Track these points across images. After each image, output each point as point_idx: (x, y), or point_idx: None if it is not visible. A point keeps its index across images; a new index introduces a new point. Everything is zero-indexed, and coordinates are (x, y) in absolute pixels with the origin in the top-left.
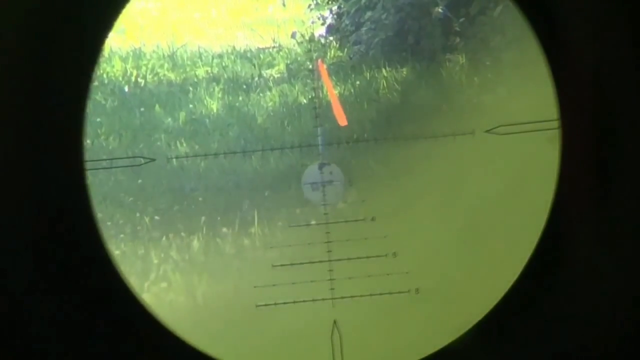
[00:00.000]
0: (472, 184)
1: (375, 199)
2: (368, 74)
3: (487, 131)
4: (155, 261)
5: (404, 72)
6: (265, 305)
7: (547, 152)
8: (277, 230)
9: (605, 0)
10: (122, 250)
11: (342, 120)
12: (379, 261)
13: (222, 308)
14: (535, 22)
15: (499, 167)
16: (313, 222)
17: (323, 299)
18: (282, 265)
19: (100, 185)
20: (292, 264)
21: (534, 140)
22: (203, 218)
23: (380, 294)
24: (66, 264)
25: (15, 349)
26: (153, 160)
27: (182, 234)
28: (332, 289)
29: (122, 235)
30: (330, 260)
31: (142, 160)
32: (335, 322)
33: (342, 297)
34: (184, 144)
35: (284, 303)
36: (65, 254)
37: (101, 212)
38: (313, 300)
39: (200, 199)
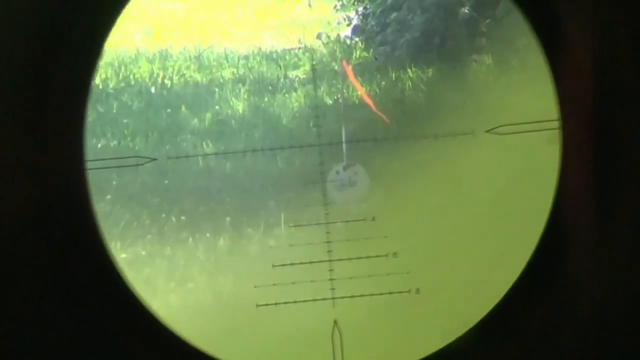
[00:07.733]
0: (473, 183)
1: (375, 199)
2: (394, 75)
3: (488, 131)
4: (156, 261)
5: (430, 73)
6: (266, 305)
7: (547, 152)
8: (278, 230)
9: (605, 0)
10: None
11: (385, 118)
12: (379, 261)
13: (222, 308)
14: (536, 22)
15: (499, 167)
16: (313, 222)
17: (323, 299)
18: (282, 265)
19: (100, 184)
20: (292, 264)
21: (534, 140)
22: (228, 219)
23: (381, 294)
24: (66, 264)
25: (14, 348)
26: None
27: (206, 234)
28: (332, 289)
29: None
30: (330, 260)
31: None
32: (335, 322)
33: (343, 297)
34: (210, 145)
35: (285, 303)
36: (65, 253)
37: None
38: (313, 300)
39: (227, 199)
